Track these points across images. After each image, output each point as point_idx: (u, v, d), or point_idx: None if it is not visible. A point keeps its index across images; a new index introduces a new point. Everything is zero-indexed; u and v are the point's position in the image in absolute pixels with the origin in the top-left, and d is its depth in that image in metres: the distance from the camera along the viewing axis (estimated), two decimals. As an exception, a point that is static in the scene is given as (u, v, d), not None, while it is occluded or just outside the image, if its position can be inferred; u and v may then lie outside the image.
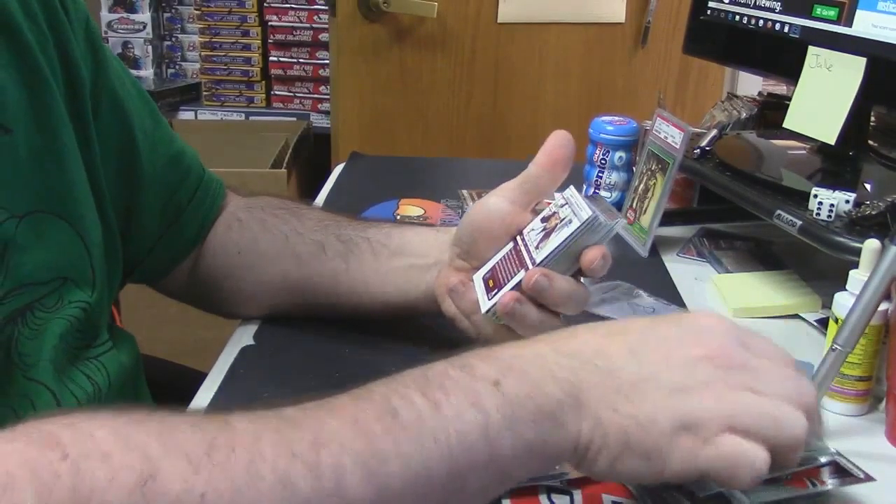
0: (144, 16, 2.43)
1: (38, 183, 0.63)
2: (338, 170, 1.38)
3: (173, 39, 2.53)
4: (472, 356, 0.48)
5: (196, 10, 2.44)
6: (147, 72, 2.45)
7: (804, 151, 1.04)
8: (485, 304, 0.66)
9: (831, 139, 0.87)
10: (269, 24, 2.40)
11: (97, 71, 0.71)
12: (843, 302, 0.70)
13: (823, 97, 0.89)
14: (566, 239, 0.64)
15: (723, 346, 0.49)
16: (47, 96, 0.64)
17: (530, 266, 0.65)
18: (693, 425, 0.46)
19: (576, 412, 0.47)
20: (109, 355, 0.71)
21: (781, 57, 0.99)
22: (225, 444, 0.41)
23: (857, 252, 0.71)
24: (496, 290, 0.66)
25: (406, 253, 0.76)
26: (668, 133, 1.00)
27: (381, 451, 0.43)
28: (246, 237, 0.81)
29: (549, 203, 0.69)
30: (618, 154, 1.10)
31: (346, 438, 0.43)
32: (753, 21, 1.01)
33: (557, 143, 0.68)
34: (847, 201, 0.83)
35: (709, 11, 1.09)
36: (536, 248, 0.66)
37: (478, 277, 0.69)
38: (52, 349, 0.64)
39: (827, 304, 0.83)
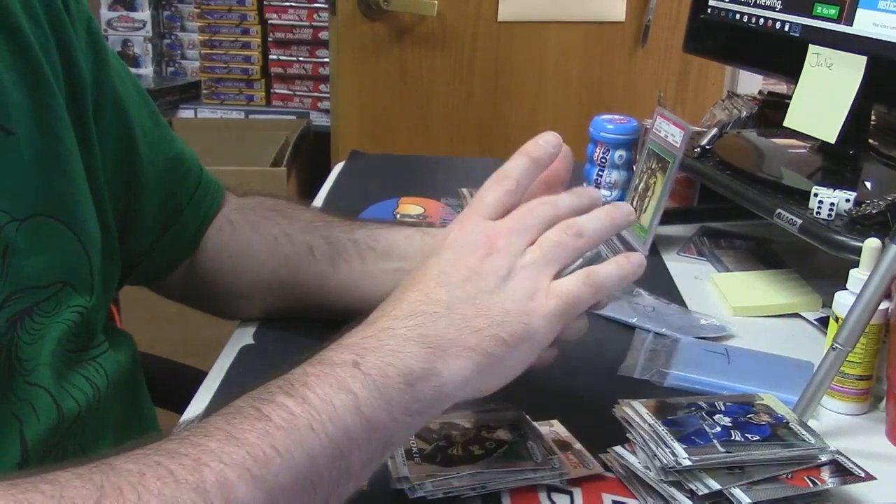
0: (144, 14, 2.42)
1: (40, 186, 0.63)
2: (338, 168, 1.38)
3: (173, 37, 2.53)
4: (325, 351, 0.52)
5: (196, 8, 2.44)
6: (147, 70, 2.45)
7: (804, 150, 1.04)
8: None
9: (832, 138, 0.87)
10: (269, 22, 2.40)
11: (99, 72, 0.70)
12: (843, 301, 0.70)
13: (824, 96, 0.89)
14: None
15: (489, 236, 0.56)
16: (49, 98, 0.64)
17: None
18: (533, 292, 0.54)
19: (442, 356, 0.52)
20: (107, 356, 0.71)
21: (782, 56, 0.98)
22: (112, 487, 0.42)
23: (858, 251, 0.71)
24: None
25: (393, 256, 0.76)
26: (669, 132, 1.00)
27: (261, 456, 0.45)
28: (237, 240, 0.81)
29: None
30: (618, 153, 1.10)
31: (224, 453, 0.45)
32: (754, 20, 1.01)
33: (562, 158, 0.64)
34: (847, 200, 0.83)
35: (709, 10, 1.09)
36: None
37: None
38: (50, 353, 0.63)
39: (827, 303, 0.83)
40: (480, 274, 0.55)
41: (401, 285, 0.57)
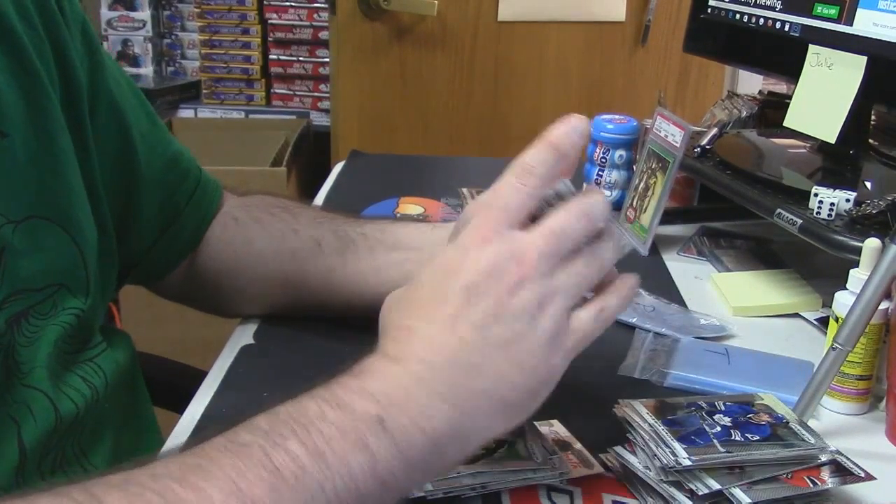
0: (144, 13, 2.42)
1: (35, 188, 0.63)
2: (338, 168, 1.38)
3: (173, 37, 2.53)
4: (344, 390, 0.47)
5: (196, 7, 2.44)
6: (147, 70, 2.45)
7: (804, 150, 1.04)
8: None
9: (832, 138, 0.87)
10: (269, 21, 2.40)
11: (94, 73, 0.70)
12: (843, 301, 0.70)
13: (824, 96, 0.89)
14: None
15: (518, 261, 0.51)
16: (44, 100, 0.64)
17: None
18: (557, 332, 0.51)
19: (472, 416, 0.49)
20: (104, 356, 0.71)
21: (782, 55, 0.98)
22: None
23: (858, 251, 0.71)
24: None
25: (402, 247, 0.76)
26: (669, 132, 1.00)
27: None
28: (242, 236, 0.81)
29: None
30: (618, 152, 1.10)
31: None
32: (754, 20, 1.01)
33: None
34: (847, 200, 0.83)
35: (709, 10, 1.09)
36: None
37: None
38: (46, 356, 0.63)
39: (827, 303, 0.83)
40: (511, 312, 0.50)
41: (414, 308, 0.52)
